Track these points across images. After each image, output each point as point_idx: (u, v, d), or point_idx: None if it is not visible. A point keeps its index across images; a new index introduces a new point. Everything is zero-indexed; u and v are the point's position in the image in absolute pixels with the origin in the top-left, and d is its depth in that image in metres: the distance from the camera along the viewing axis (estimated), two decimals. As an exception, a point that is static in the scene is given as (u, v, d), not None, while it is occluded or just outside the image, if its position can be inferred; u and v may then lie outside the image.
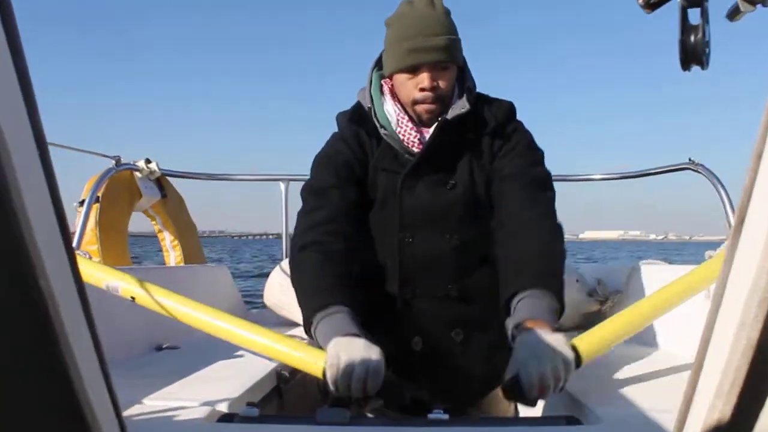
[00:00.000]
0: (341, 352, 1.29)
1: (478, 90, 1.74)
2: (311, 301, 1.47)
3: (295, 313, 2.67)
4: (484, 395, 1.65)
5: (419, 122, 1.68)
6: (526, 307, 1.40)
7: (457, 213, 1.64)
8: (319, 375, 1.33)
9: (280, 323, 2.70)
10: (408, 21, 1.63)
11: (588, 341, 1.37)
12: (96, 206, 2.53)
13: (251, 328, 1.52)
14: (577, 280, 2.49)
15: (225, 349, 1.86)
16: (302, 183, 1.73)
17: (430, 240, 1.63)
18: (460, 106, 1.66)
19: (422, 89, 1.62)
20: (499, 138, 1.68)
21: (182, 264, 3.11)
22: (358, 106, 1.77)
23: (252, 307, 3.28)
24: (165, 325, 2.17)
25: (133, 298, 1.71)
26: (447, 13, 1.65)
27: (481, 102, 1.72)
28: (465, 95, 1.68)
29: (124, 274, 1.78)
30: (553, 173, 1.74)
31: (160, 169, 2.93)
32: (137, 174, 2.84)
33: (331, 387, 1.29)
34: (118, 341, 1.93)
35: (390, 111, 1.69)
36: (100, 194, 2.54)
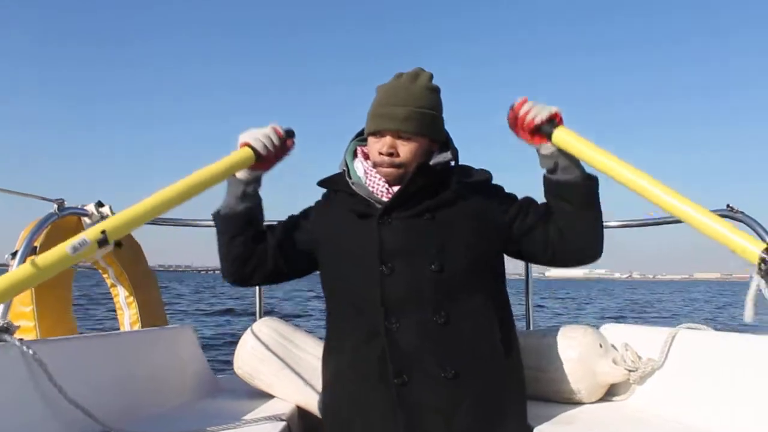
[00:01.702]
0: (247, 133, 1.78)
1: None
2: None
3: (271, 383, 2.31)
4: None
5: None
6: None
7: (437, 241, 1.71)
8: (250, 153, 1.74)
9: (252, 394, 2.33)
10: (385, 89, 1.79)
11: (569, 134, 1.64)
12: (31, 258, 2.12)
13: (183, 184, 1.61)
14: (601, 345, 2.15)
15: None
16: None
17: (412, 268, 1.70)
18: (442, 156, 1.80)
19: (380, 153, 1.75)
20: (483, 196, 1.79)
21: (137, 324, 2.69)
22: (334, 175, 1.94)
23: (220, 371, 2.87)
24: (109, 410, 1.79)
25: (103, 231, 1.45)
26: (429, 88, 1.79)
27: (465, 167, 1.86)
28: (449, 151, 1.82)
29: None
30: None
31: (113, 214, 2.53)
32: (85, 220, 2.44)
33: (262, 150, 1.75)
34: (55, 428, 1.57)
35: (359, 167, 1.85)
36: (37, 244, 2.13)
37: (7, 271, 2.04)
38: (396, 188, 1.77)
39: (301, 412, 2.23)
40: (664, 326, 2.18)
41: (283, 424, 1.94)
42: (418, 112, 1.73)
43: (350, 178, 1.84)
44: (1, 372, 1.47)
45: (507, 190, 1.87)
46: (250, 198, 1.85)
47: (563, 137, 1.65)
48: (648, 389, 2.04)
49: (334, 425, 1.82)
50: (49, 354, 1.60)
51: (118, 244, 2.61)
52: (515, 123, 1.72)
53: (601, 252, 1.77)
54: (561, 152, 1.68)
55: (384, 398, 1.69)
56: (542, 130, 1.67)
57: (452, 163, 1.83)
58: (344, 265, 1.80)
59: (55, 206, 2.24)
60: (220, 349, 8.85)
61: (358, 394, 1.75)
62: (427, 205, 1.74)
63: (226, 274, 1.92)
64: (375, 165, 1.79)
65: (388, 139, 1.74)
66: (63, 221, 2.29)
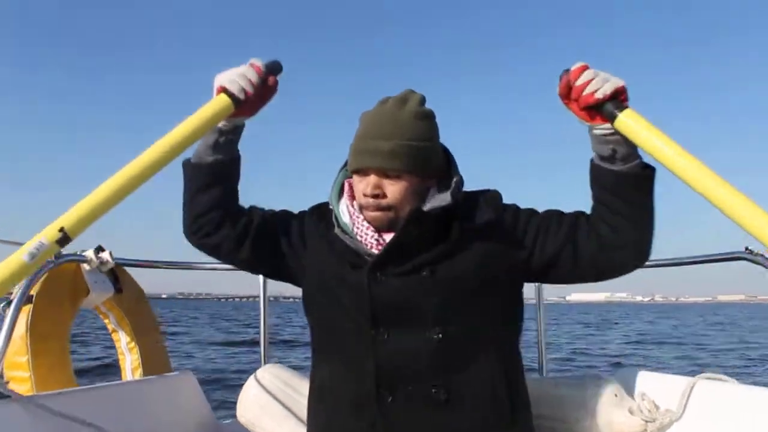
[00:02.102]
0: (220, 75, 1.53)
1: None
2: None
3: (273, 429, 2.24)
4: None
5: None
6: None
7: (437, 302, 1.48)
8: (227, 100, 1.50)
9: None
10: (369, 119, 1.55)
11: (638, 119, 1.33)
12: (28, 308, 2.08)
13: (150, 154, 1.39)
14: (616, 395, 2.04)
15: None
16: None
17: (409, 335, 1.48)
18: (440, 200, 1.53)
19: (364, 194, 1.52)
20: (492, 235, 1.55)
21: (139, 370, 2.63)
22: (324, 204, 1.70)
23: (226, 416, 2.79)
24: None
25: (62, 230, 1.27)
26: (418, 115, 1.53)
27: (470, 201, 1.60)
28: (450, 189, 1.54)
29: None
30: None
31: (114, 259, 2.49)
32: (84, 266, 2.40)
33: (238, 92, 1.50)
34: None
35: (345, 212, 1.60)
36: (34, 293, 2.09)
37: (2, 320, 2.01)
38: (387, 236, 1.55)
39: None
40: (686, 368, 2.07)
41: None
42: (406, 146, 1.48)
43: (337, 222, 1.60)
44: None
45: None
46: (222, 149, 1.62)
47: (630, 123, 1.34)
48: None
49: None
50: (40, 411, 1.54)
51: (118, 290, 2.57)
52: (568, 93, 1.40)
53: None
54: (621, 137, 1.39)
55: None
56: (603, 110, 1.37)
57: (452, 199, 1.54)
58: (332, 315, 1.58)
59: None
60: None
61: None
62: (425, 258, 1.50)
63: (184, 228, 1.70)
64: (360, 206, 1.57)
65: (372, 178, 1.51)
66: (60, 268, 2.25)
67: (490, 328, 1.54)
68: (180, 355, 14.07)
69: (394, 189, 1.51)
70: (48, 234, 1.26)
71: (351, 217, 1.58)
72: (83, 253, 2.39)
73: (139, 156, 1.38)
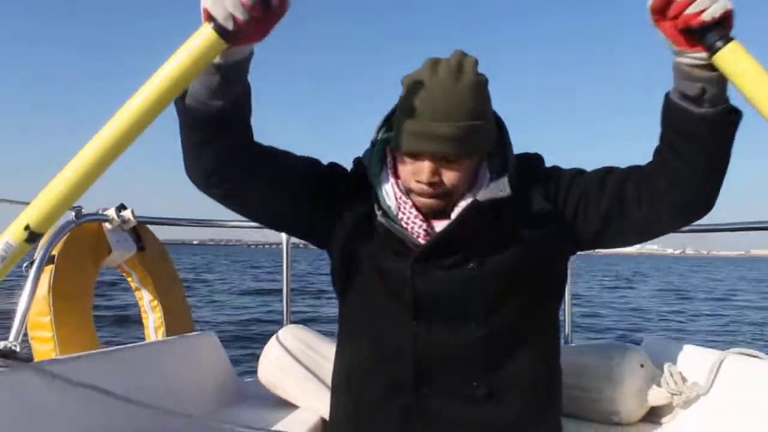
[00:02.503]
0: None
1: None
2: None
3: (294, 394, 2.24)
4: None
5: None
6: None
7: (483, 296, 1.38)
8: (215, 37, 1.11)
9: (277, 402, 2.26)
10: (422, 93, 1.31)
11: (742, 54, 1.11)
12: (50, 268, 2.08)
13: (122, 119, 1.13)
14: (642, 365, 2.00)
15: None
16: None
17: (452, 329, 1.39)
18: (498, 188, 1.38)
19: (418, 181, 1.35)
20: (541, 218, 1.42)
21: (162, 329, 2.64)
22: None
23: (247, 374, 2.81)
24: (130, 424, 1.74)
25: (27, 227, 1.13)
26: (476, 86, 1.32)
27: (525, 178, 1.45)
28: (506, 176, 1.40)
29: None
30: None
31: (135, 218, 2.47)
32: (106, 225, 2.39)
33: (222, 19, 1.10)
34: None
35: (390, 193, 1.43)
36: (55, 253, 2.09)
37: (25, 280, 2.02)
38: (436, 224, 1.41)
39: (326, 425, 2.15)
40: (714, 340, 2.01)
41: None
42: (467, 128, 1.30)
43: (378, 203, 1.43)
44: (8, 396, 1.40)
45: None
46: (225, 92, 1.26)
47: (734, 58, 1.11)
48: (692, 415, 1.88)
49: None
50: (60, 374, 1.53)
51: (141, 248, 2.56)
52: (665, 7, 1.15)
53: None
54: (715, 74, 1.18)
55: None
56: (705, 36, 1.13)
57: (510, 190, 1.39)
58: (369, 300, 1.47)
59: (72, 214, 2.19)
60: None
61: None
62: (473, 250, 1.38)
63: (195, 183, 1.41)
64: (410, 191, 1.40)
65: (427, 164, 1.33)
66: (82, 228, 2.24)
67: (534, 322, 1.45)
68: (207, 305, 14.13)
69: (452, 175, 1.35)
70: (13, 234, 1.13)
71: (396, 200, 1.42)
72: (105, 212, 2.38)
73: (109, 122, 1.14)
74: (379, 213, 1.41)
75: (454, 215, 1.39)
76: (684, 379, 1.97)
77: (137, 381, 1.91)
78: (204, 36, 1.12)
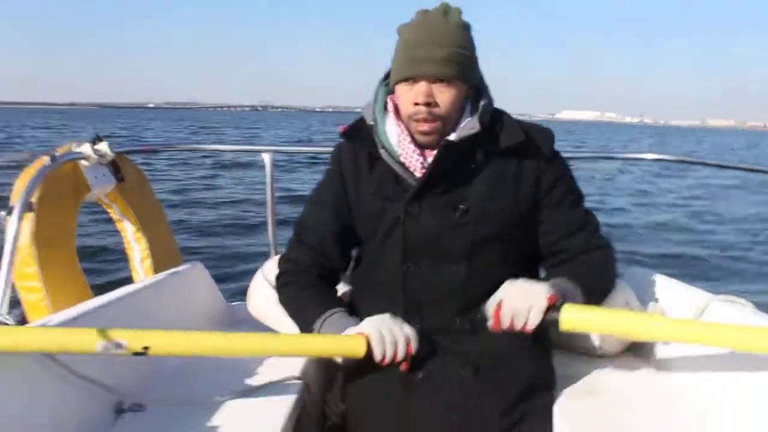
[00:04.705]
0: (377, 324, 1.49)
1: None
2: (306, 313, 1.67)
3: (283, 327, 2.26)
4: None
5: (421, 145, 1.61)
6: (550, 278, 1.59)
7: (468, 239, 1.59)
8: (362, 351, 1.48)
9: (268, 329, 2.29)
10: (415, 29, 1.57)
11: (577, 312, 1.45)
12: (30, 215, 2.00)
13: (275, 338, 1.58)
14: (627, 302, 2.05)
15: (197, 408, 1.63)
16: (288, 155, 2.13)
17: (438, 269, 1.59)
18: (469, 127, 1.58)
19: (416, 103, 1.54)
20: (529, 162, 1.64)
21: (148, 260, 2.61)
22: (359, 122, 1.71)
23: (238, 299, 2.84)
24: (123, 378, 1.76)
25: (145, 348, 1.41)
26: (462, 26, 1.58)
27: (501, 123, 1.65)
28: (477, 114, 1.59)
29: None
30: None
31: (113, 151, 2.37)
32: (83, 163, 2.28)
33: (377, 356, 1.47)
34: (67, 405, 1.51)
35: (391, 130, 1.63)
36: (34, 200, 2.00)
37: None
38: (429, 156, 1.60)
39: (318, 357, 2.20)
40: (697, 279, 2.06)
41: (300, 383, 1.90)
42: (457, 53, 1.53)
43: (380, 139, 1.63)
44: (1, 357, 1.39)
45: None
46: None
47: (573, 319, 1.46)
48: (672, 351, 1.96)
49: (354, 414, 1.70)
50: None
51: (120, 179, 2.48)
52: (506, 332, 1.49)
53: None
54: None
55: (401, 394, 1.57)
56: (543, 326, 1.47)
57: (481, 126, 1.59)
58: (370, 248, 1.69)
59: (47, 158, 2.07)
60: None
61: (375, 389, 1.60)
62: (461, 194, 1.59)
63: None
64: (408, 117, 1.58)
65: (423, 86, 1.53)
66: (58, 170, 2.14)
67: (515, 263, 1.65)
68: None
69: (445, 97, 1.54)
70: (130, 343, 1.38)
71: (397, 136, 1.61)
72: (79, 149, 2.27)
73: (242, 336, 1.54)
74: (382, 151, 1.62)
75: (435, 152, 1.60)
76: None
77: (130, 325, 1.91)
78: (357, 346, 1.50)
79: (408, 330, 1.50)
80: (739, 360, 1.67)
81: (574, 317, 1.44)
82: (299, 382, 1.89)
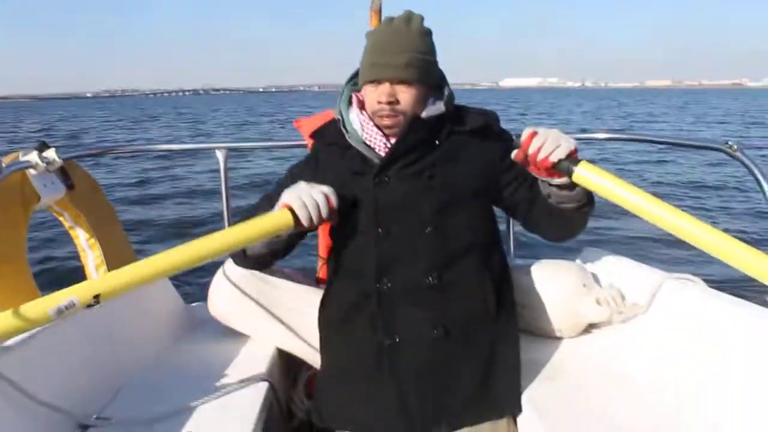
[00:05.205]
0: (294, 191, 1.60)
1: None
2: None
3: (247, 326, 2.25)
4: (474, 408, 1.67)
5: (385, 134, 1.76)
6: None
7: (434, 203, 1.70)
8: (290, 221, 1.57)
9: (229, 332, 2.28)
10: (379, 36, 1.73)
11: (591, 171, 1.51)
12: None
13: (214, 237, 1.52)
14: (584, 285, 2.11)
15: (164, 417, 1.67)
16: (243, 152, 2.00)
17: (407, 230, 1.70)
18: (435, 108, 1.76)
19: (379, 102, 1.70)
20: (486, 149, 1.78)
21: (103, 267, 2.54)
22: (328, 123, 1.91)
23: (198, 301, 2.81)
24: (85, 394, 1.74)
25: (96, 297, 1.39)
26: (423, 33, 1.72)
27: (465, 110, 1.83)
28: (443, 100, 1.78)
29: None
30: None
31: (61, 158, 2.30)
32: (30, 171, 2.21)
33: (304, 220, 1.58)
34: (29, 428, 1.49)
35: (354, 119, 1.80)
36: (-20, 214, 1.93)
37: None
38: (393, 140, 1.75)
39: (282, 356, 2.20)
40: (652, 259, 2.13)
41: (266, 384, 1.90)
42: (417, 58, 1.68)
43: (346, 129, 1.80)
44: None
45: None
46: (274, 245, 1.77)
47: (586, 175, 1.52)
48: (628, 331, 2.03)
49: (325, 392, 1.83)
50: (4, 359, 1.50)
51: (70, 186, 2.41)
52: (526, 161, 1.58)
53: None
54: (576, 191, 1.62)
55: (372, 361, 1.70)
56: (560, 168, 1.54)
57: (445, 109, 1.77)
58: (343, 223, 1.74)
59: (-8, 171, 1.99)
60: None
61: (347, 357, 1.76)
62: (427, 163, 1.72)
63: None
64: (373, 114, 1.74)
65: (386, 87, 1.69)
66: (6, 182, 2.06)
67: (478, 230, 1.76)
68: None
69: (406, 96, 1.70)
70: (81, 297, 1.35)
71: (361, 123, 1.77)
72: (26, 158, 2.20)
73: (182, 247, 1.47)
74: (348, 136, 1.78)
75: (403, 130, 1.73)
76: (623, 297, 2.10)
77: (93, 339, 1.88)
78: (282, 219, 1.57)
79: (324, 188, 1.62)
80: (692, 340, 1.75)
81: (586, 175, 1.51)
82: (265, 383, 1.90)
